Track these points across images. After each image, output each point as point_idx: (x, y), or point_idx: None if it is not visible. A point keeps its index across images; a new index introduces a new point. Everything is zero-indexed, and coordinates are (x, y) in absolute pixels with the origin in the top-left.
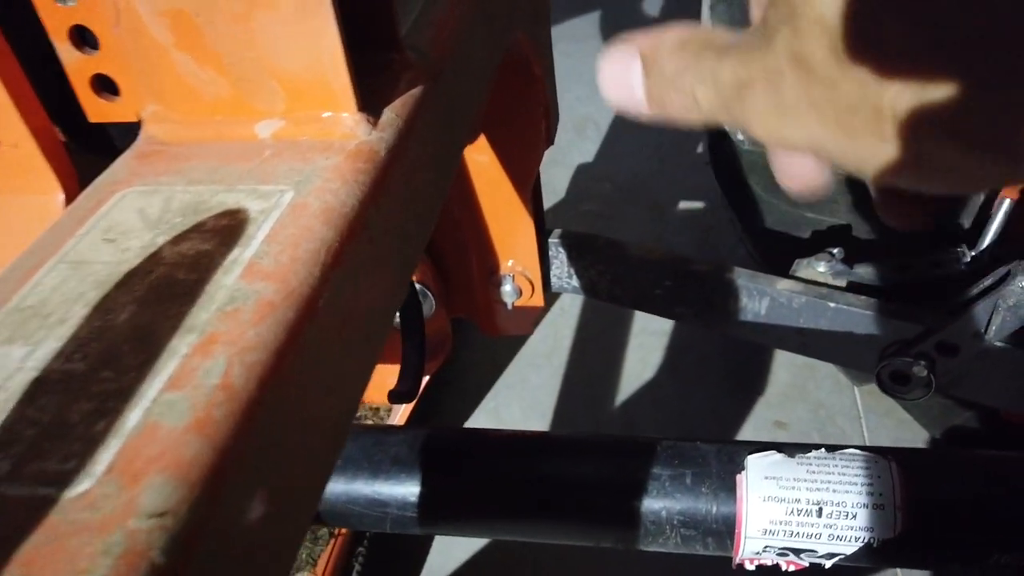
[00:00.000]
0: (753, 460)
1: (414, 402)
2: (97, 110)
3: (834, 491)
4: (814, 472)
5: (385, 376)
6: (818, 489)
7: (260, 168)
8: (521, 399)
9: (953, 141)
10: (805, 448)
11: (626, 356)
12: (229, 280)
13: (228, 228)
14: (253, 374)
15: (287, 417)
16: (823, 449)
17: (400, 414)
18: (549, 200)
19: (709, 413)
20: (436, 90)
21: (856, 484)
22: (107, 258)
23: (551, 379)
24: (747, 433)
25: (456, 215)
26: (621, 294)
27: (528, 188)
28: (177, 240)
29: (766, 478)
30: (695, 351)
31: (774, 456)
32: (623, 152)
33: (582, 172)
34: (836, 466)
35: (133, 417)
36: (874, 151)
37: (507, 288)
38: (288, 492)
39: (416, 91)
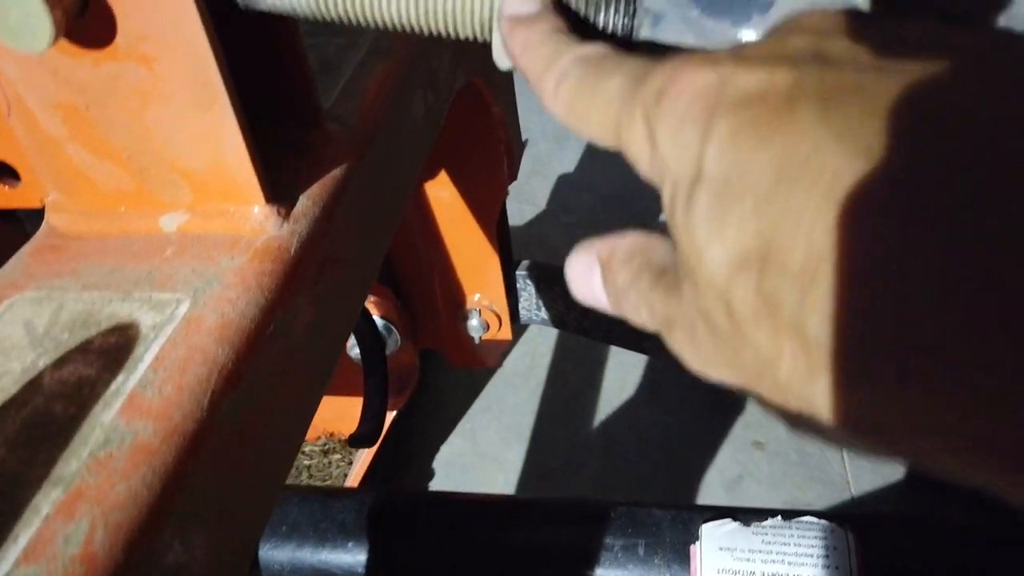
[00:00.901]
0: (708, 529)
1: (384, 432)
2: None
3: (789, 563)
4: (769, 543)
5: (355, 411)
6: (773, 561)
7: (160, 270)
8: (498, 421)
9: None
10: (761, 515)
11: (605, 376)
12: (107, 417)
13: (115, 348)
14: (119, 538)
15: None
16: (779, 517)
17: None
18: (529, 212)
19: (688, 434)
20: (363, 165)
21: (812, 556)
22: None
23: (529, 400)
24: (725, 453)
25: (420, 249)
26: (590, 327)
27: (492, 223)
28: (60, 363)
29: (720, 549)
30: (674, 371)
31: (729, 525)
32: (604, 162)
33: (563, 183)
34: (792, 536)
35: None
36: (787, 413)
37: (474, 323)
38: None
39: (338, 171)
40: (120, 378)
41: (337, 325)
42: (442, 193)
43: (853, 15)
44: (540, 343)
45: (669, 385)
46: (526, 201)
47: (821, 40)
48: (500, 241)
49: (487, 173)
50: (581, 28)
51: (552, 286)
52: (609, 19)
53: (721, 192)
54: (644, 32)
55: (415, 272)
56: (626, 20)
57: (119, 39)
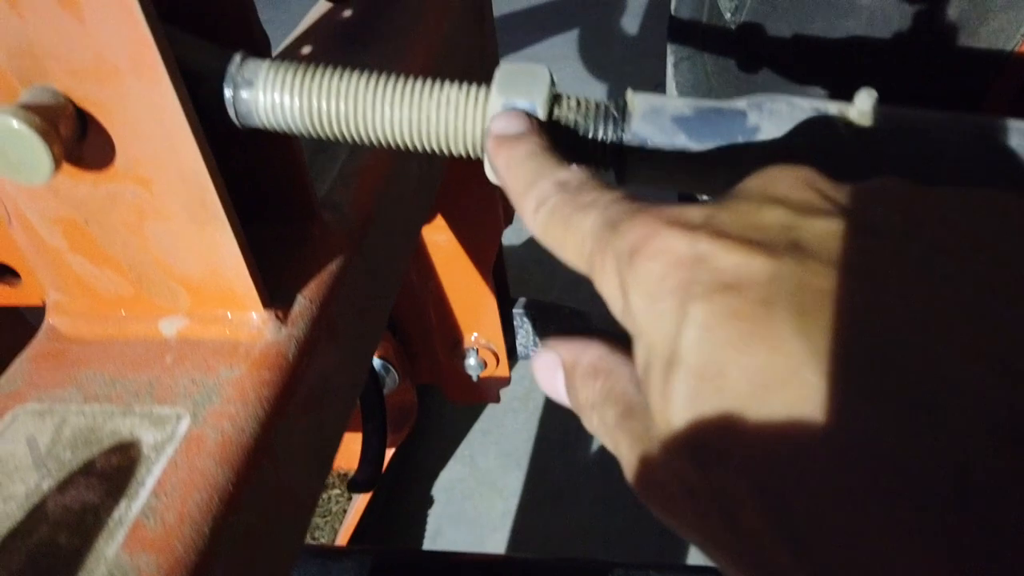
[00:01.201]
0: None
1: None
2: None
3: None
4: None
5: (355, 445)
6: None
7: (160, 381)
8: (497, 446)
9: None
10: None
11: None
12: (111, 550)
13: (117, 470)
14: None
15: None
16: None
17: None
18: (526, 232)
19: None
20: (360, 251)
21: None
22: None
23: (527, 423)
24: None
25: (416, 290)
26: None
27: (489, 264)
28: (63, 487)
29: None
30: None
31: None
32: None
33: None
34: None
35: None
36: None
37: (471, 362)
38: None
39: (335, 264)
40: (123, 505)
41: (337, 417)
42: (439, 237)
43: (829, 183)
44: None
45: None
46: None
47: (797, 220)
48: (497, 281)
49: (483, 218)
50: (571, 142)
51: (549, 324)
52: (598, 133)
53: (698, 386)
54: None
55: (412, 312)
56: (616, 134)
57: (118, 162)
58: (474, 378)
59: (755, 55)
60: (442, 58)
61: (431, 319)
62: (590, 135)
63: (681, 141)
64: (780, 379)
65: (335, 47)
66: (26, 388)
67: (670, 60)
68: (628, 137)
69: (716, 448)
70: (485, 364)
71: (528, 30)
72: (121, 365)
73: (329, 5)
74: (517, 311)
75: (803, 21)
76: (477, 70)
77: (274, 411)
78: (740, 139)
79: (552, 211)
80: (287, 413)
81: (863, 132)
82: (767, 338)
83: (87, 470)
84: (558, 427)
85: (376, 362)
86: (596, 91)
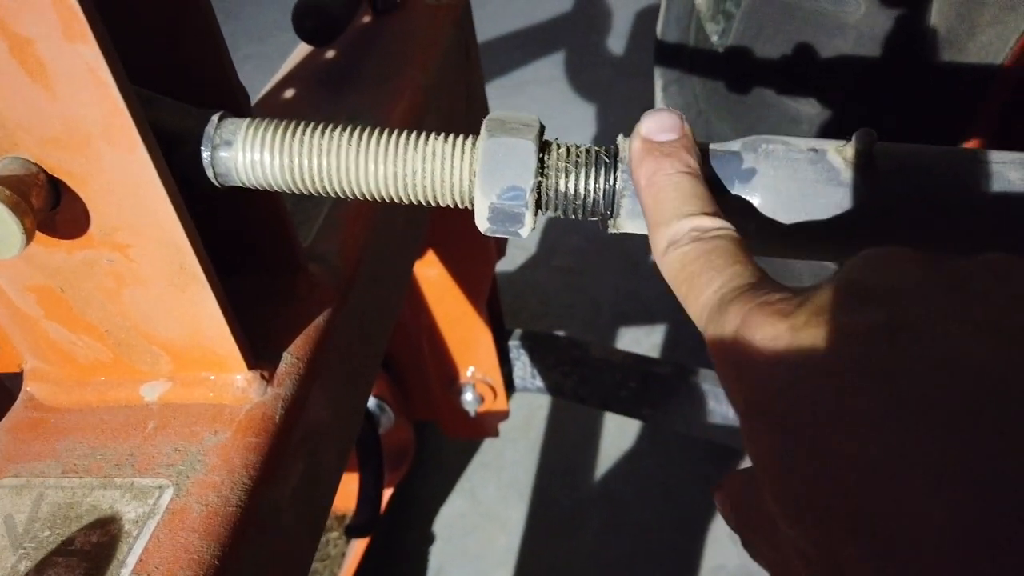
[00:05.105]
0: None
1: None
2: None
3: None
4: None
5: (352, 485)
6: None
7: (141, 449)
8: (498, 477)
9: None
10: None
11: (603, 424)
12: None
13: (97, 548)
14: None
15: None
16: None
17: None
18: (519, 256)
19: (690, 482)
20: (348, 302)
21: None
22: None
23: (528, 453)
24: None
25: (409, 326)
26: (587, 395)
27: (483, 298)
28: (41, 568)
29: None
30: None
31: None
32: None
33: (552, 225)
34: None
35: None
36: None
37: (468, 397)
38: None
39: (322, 318)
40: None
41: (329, 472)
42: (430, 272)
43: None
44: (537, 395)
45: (668, 434)
46: (516, 245)
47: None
48: (491, 313)
49: (475, 251)
50: (562, 189)
51: (546, 355)
52: (590, 180)
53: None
54: None
55: (406, 348)
56: (608, 181)
57: (93, 229)
58: (471, 413)
59: (744, 76)
60: (428, 97)
61: (425, 355)
62: (582, 183)
63: None
64: None
65: (319, 91)
66: (3, 462)
67: (658, 83)
68: (620, 184)
69: None
70: (483, 398)
71: (514, 53)
72: (101, 434)
73: (311, 48)
74: (513, 343)
75: (791, 41)
76: (462, 105)
77: (261, 478)
78: (736, 181)
79: (682, 263)
80: (275, 478)
81: (863, 171)
82: None
83: (66, 549)
84: (559, 456)
85: (371, 401)
86: (584, 112)
